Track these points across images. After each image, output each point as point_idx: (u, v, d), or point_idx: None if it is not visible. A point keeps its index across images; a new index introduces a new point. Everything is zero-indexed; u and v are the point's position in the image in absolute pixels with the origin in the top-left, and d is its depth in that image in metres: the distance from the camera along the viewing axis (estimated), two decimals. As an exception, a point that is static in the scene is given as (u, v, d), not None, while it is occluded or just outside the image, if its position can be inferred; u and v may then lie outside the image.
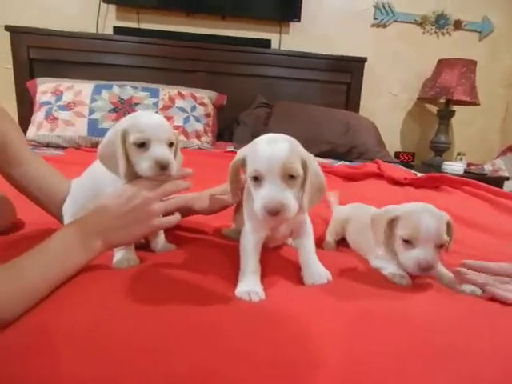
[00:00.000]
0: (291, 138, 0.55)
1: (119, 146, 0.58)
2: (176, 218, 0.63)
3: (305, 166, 0.54)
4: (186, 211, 0.75)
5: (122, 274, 0.54)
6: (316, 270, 0.58)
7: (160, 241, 0.68)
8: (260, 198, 0.51)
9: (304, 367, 0.38)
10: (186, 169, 0.64)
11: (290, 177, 0.51)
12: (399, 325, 0.46)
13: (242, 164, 0.57)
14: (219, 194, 0.74)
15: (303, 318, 0.46)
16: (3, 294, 0.44)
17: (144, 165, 0.57)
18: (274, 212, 0.49)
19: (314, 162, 0.56)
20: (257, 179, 0.52)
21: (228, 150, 2.01)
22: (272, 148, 0.51)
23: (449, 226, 0.60)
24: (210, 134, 2.12)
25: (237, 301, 0.50)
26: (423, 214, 0.58)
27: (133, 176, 0.59)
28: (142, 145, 0.58)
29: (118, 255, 0.59)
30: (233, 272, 0.59)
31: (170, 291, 0.50)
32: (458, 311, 0.50)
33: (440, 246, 0.58)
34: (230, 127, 2.37)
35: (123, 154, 0.58)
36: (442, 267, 0.62)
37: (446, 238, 0.58)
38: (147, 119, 0.60)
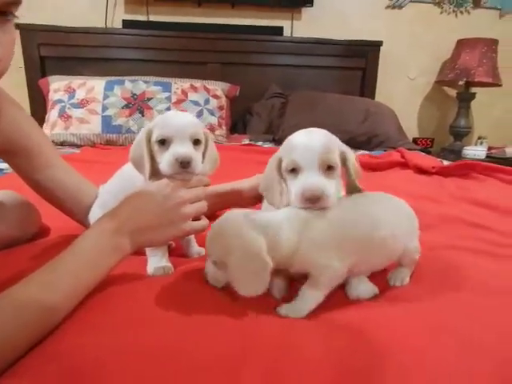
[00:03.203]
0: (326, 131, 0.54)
1: (144, 144, 0.56)
2: (206, 222, 0.61)
3: (343, 157, 0.53)
4: (224, 204, 0.74)
5: (161, 284, 0.52)
6: (362, 283, 0.53)
7: (192, 244, 0.65)
8: (299, 185, 0.50)
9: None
10: (204, 178, 0.60)
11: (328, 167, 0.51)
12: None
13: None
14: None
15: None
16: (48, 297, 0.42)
17: (164, 162, 0.55)
18: (314, 199, 0.48)
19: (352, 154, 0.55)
20: (293, 170, 0.51)
21: (244, 142, 1.97)
22: (309, 138, 0.51)
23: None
24: (224, 127, 2.08)
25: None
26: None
27: (159, 177, 0.57)
28: (164, 142, 0.55)
29: (153, 263, 0.57)
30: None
31: (221, 302, 0.48)
32: None
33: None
34: (243, 119, 2.33)
35: (148, 153, 0.56)
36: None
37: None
38: (172, 117, 0.57)
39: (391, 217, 0.52)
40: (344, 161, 0.53)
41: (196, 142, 0.57)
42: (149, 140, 0.57)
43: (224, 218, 0.48)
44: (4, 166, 1.25)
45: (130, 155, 0.58)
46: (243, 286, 0.45)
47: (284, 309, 0.47)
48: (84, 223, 0.71)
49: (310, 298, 0.47)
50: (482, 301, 0.49)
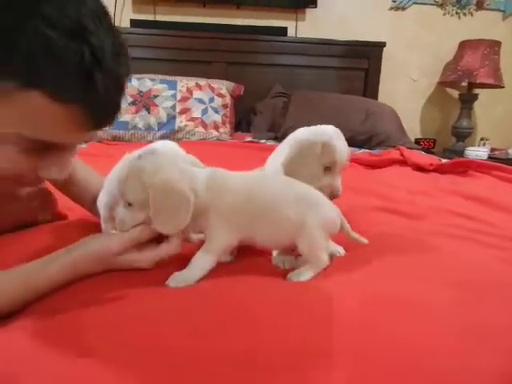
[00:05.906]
0: None
1: None
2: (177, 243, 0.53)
3: None
4: None
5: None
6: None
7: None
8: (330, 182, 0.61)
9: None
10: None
11: None
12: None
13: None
14: None
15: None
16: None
17: None
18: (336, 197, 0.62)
19: None
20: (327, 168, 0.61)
21: (246, 140, 2.00)
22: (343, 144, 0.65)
23: None
24: (228, 125, 2.12)
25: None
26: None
27: None
28: None
29: None
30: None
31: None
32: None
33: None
34: (247, 117, 2.37)
35: None
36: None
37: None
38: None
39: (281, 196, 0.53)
40: None
41: None
42: None
43: (140, 158, 0.50)
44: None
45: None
46: (163, 222, 0.47)
47: (173, 280, 0.48)
48: (92, 211, 0.75)
49: (201, 262, 0.49)
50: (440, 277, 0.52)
